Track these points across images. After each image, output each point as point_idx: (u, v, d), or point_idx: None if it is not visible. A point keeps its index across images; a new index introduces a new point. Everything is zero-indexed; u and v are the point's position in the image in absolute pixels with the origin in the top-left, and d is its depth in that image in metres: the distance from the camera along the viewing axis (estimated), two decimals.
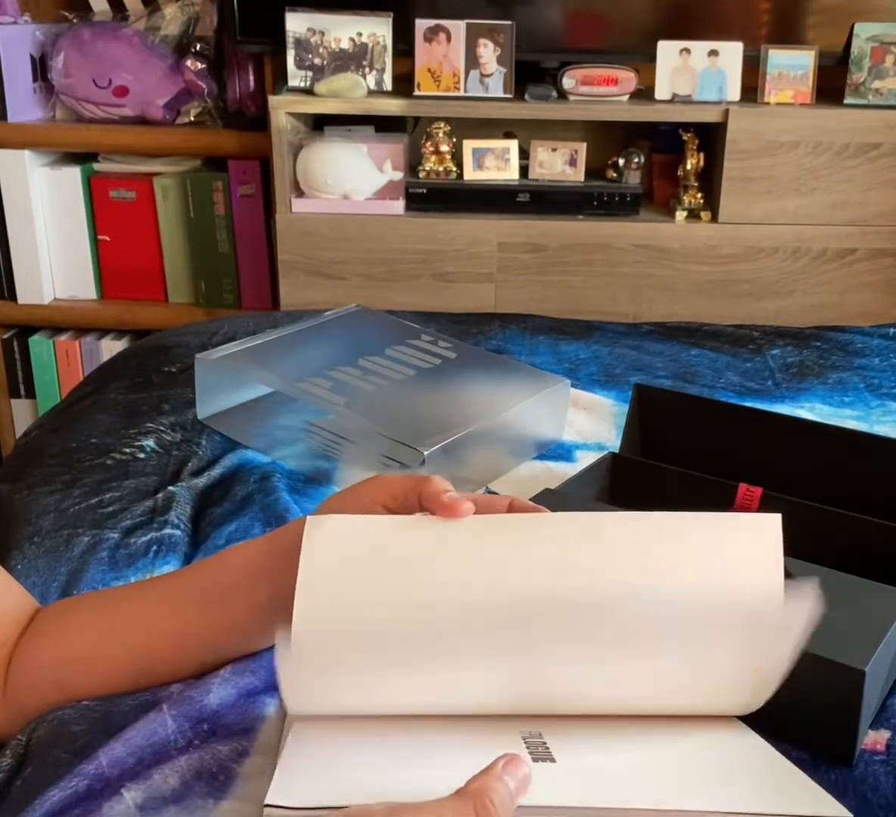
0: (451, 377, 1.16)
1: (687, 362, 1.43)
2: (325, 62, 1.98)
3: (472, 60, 1.96)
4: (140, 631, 0.70)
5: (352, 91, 1.94)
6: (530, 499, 0.88)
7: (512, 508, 0.67)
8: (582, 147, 2.00)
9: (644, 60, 1.99)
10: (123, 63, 2.13)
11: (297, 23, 1.96)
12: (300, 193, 2.00)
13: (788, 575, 0.76)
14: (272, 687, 0.70)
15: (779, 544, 0.61)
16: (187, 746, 0.64)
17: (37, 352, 2.27)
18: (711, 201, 2.01)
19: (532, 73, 2.03)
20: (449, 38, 1.95)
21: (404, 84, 1.99)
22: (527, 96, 1.96)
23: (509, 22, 1.95)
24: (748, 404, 1.19)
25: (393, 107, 1.96)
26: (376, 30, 1.97)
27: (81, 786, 0.60)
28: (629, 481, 0.99)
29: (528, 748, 0.57)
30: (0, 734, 0.70)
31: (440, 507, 0.63)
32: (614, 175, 2.03)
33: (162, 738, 0.64)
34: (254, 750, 0.65)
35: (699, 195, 2.01)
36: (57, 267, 2.24)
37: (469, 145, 2.00)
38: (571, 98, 1.98)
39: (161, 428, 1.15)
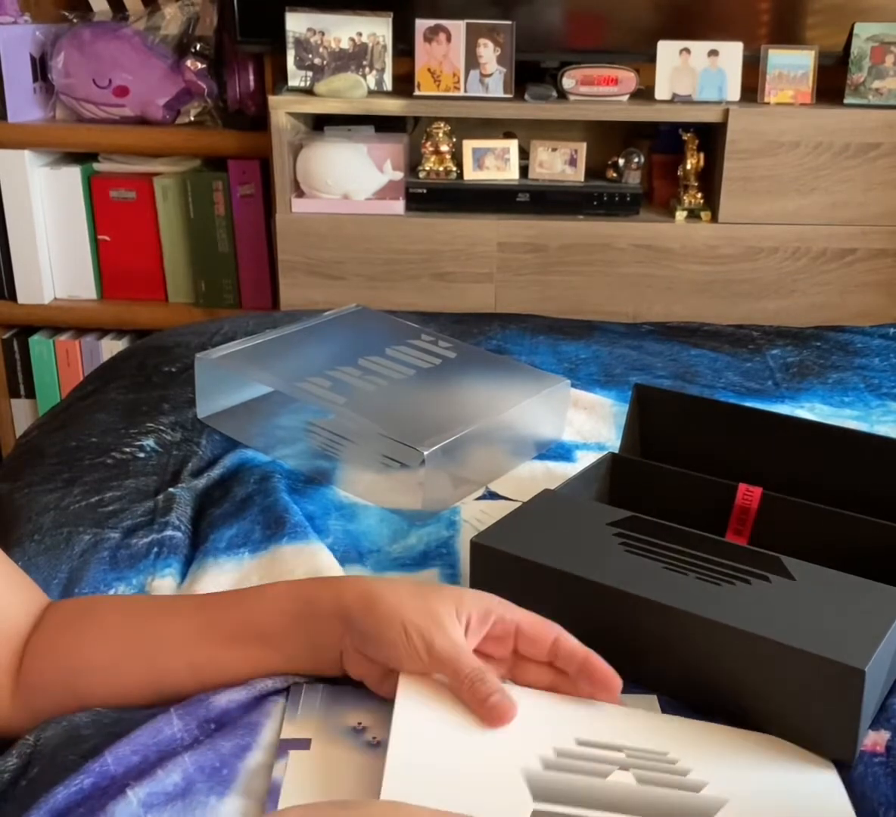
0: (451, 377, 1.16)
1: (687, 362, 1.43)
2: (325, 62, 1.98)
3: (472, 60, 1.96)
4: (164, 656, 0.70)
5: (352, 91, 1.94)
6: (530, 500, 0.88)
7: (585, 664, 0.67)
8: (582, 147, 2.00)
9: (644, 60, 1.99)
10: (123, 63, 2.13)
11: (297, 23, 1.96)
12: (300, 193, 2.00)
13: (788, 576, 0.76)
14: (283, 687, 0.70)
15: None
16: (192, 743, 0.64)
17: (37, 352, 2.27)
18: (711, 201, 2.01)
19: (532, 73, 2.03)
20: (449, 38, 1.95)
21: (404, 84, 1.99)
22: (527, 96, 1.96)
23: (509, 22, 1.95)
24: (748, 404, 1.19)
25: (393, 107, 1.96)
26: (376, 30, 1.97)
27: (86, 784, 0.60)
28: (629, 481, 0.99)
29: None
30: (9, 729, 0.70)
31: (486, 713, 0.64)
32: (614, 175, 2.03)
33: (167, 736, 0.64)
34: (257, 745, 0.65)
35: (699, 195, 2.01)
36: (57, 267, 2.24)
37: (469, 145, 2.00)
38: (571, 98, 1.98)
39: (161, 427, 1.15)
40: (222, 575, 0.88)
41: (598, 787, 0.61)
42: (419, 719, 0.63)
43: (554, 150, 2.00)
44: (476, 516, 1.00)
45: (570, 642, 0.67)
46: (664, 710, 0.72)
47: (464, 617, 0.66)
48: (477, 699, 0.64)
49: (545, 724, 0.65)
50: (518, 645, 0.68)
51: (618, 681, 0.67)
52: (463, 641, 0.65)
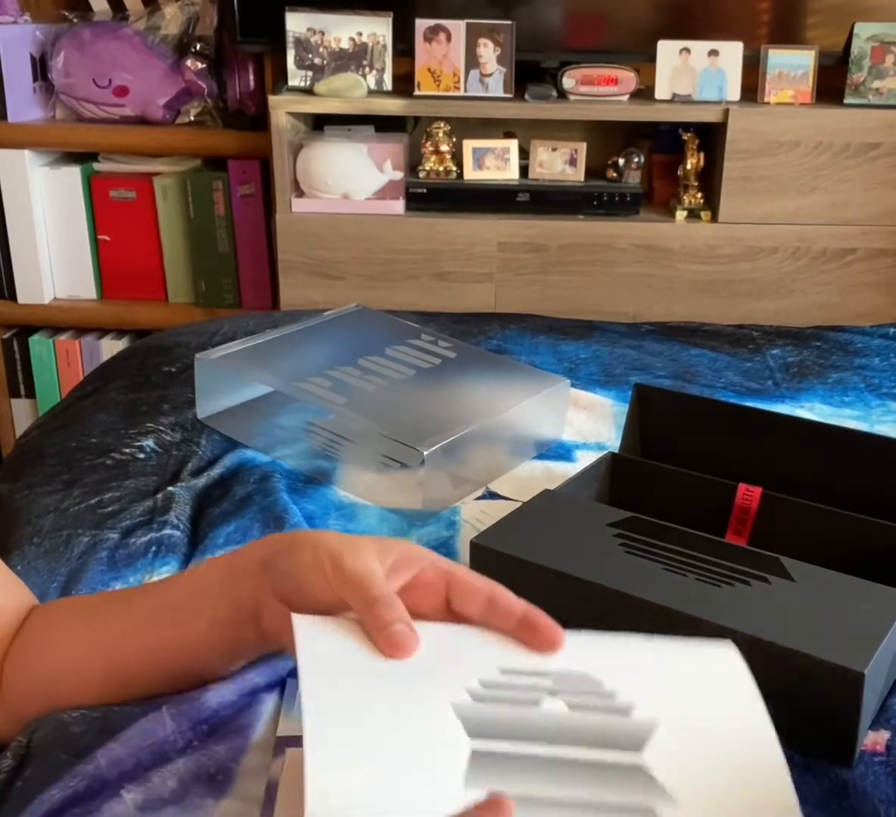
0: (451, 377, 1.16)
1: (687, 362, 1.43)
2: (325, 62, 1.98)
3: (472, 60, 1.96)
4: (119, 646, 0.69)
5: (352, 91, 1.94)
6: (530, 500, 0.88)
7: (526, 618, 0.61)
8: (582, 147, 2.00)
9: (644, 60, 1.99)
10: (123, 63, 2.13)
11: (297, 23, 1.96)
12: (300, 193, 2.00)
13: (788, 577, 0.76)
14: (272, 685, 0.70)
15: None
16: (186, 747, 0.64)
17: (37, 352, 2.27)
18: (711, 201, 2.01)
19: (532, 72, 2.03)
20: (449, 38, 1.94)
21: (404, 84, 1.99)
22: (527, 96, 1.96)
23: (509, 22, 1.95)
24: (748, 404, 1.19)
25: (393, 107, 1.96)
26: (376, 30, 1.97)
27: (80, 786, 0.60)
28: (629, 481, 0.99)
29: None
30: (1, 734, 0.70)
31: (384, 641, 0.57)
32: (614, 175, 2.03)
33: (160, 739, 0.64)
34: (251, 747, 0.65)
35: (699, 195, 2.01)
36: (57, 267, 2.24)
37: (469, 145, 2.00)
38: (571, 98, 1.98)
39: (161, 428, 1.15)
40: None
41: (531, 718, 0.58)
42: (328, 661, 0.57)
43: (554, 149, 2.00)
44: (476, 516, 1.00)
45: (509, 597, 0.62)
46: None
47: (388, 559, 0.61)
48: (378, 624, 0.57)
49: (463, 655, 0.61)
50: (451, 599, 0.63)
51: (561, 636, 0.62)
52: (378, 568, 0.60)
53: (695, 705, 0.61)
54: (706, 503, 0.94)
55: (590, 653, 0.64)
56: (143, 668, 0.68)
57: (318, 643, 0.57)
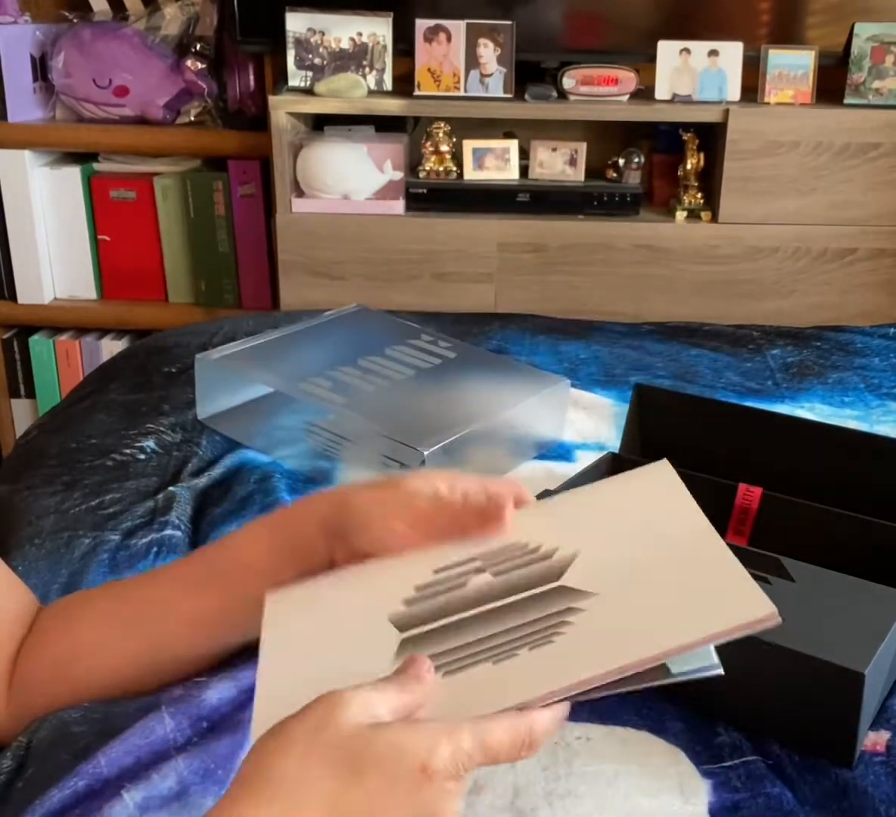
0: (451, 377, 1.16)
1: (687, 362, 1.43)
2: (325, 62, 1.98)
3: (472, 60, 1.96)
4: (156, 618, 0.70)
5: (352, 91, 1.94)
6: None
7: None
8: (582, 147, 2.00)
9: (644, 60, 1.99)
10: (123, 63, 2.13)
11: (297, 23, 1.96)
12: (300, 193, 2.00)
13: (789, 577, 0.76)
14: None
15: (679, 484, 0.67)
16: (186, 745, 0.64)
17: (37, 352, 2.27)
18: (711, 201, 2.01)
19: (532, 73, 2.03)
20: (449, 38, 1.94)
21: (404, 84, 1.99)
22: (527, 96, 1.96)
23: (509, 22, 1.95)
24: (748, 404, 1.19)
25: (393, 107, 1.96)
26: (376, 30, 1.97)
27: (80, 786, 0.60)
28: None
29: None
30: (5, 733, 0.70)
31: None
32: (614, 175, 2.03)
33: (160, 737, 0.64)
34: (250, 743, 0.65)
35: (699, 195, 2.01)
36: (57, 267, 2.24)
37: (469, 145, 2.00)
38: (571, 98, 1.98)
39: (161, 428, 1.15)
40: None
41: (458, 596, 0.61)
42: (289, 618, 0.63)
43: (554, 150, 2.00)
44: None
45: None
46: (664, 709, 0.72)
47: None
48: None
49: (402, 568, 0.65)
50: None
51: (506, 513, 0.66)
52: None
53: (627, 525, 0.65)
54: (706, 503, 0.94)
55: (534, 520, 0.67)
56: (184, 640, 0.70)
57: (284, 609, 0.63)
